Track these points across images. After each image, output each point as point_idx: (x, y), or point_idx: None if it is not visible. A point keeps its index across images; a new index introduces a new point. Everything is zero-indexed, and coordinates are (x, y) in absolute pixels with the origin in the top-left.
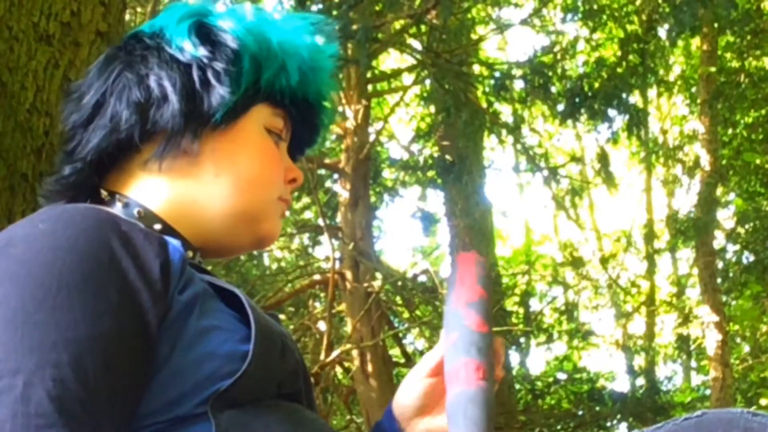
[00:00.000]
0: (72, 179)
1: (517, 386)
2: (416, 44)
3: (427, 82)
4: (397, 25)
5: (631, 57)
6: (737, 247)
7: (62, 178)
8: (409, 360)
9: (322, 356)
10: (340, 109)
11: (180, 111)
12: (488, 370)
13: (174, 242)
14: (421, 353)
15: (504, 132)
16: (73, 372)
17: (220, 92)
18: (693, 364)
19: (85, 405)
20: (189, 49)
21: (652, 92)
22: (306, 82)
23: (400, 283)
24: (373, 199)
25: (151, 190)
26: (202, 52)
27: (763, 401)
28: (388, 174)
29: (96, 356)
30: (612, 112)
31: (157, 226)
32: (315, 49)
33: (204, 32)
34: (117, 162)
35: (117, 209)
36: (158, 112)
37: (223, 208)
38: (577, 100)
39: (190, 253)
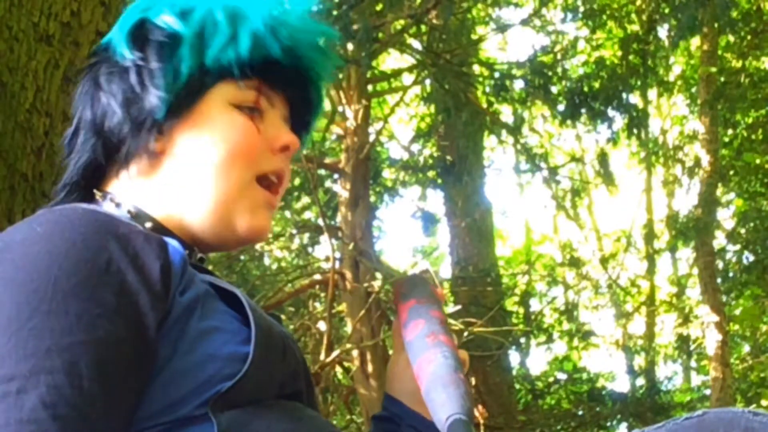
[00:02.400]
0: (65, 191)
1: (517, 386)
2: (416, 44)
3: (427, 82)
4: (397, 25)
5: (631, 57)
6: (737, 247)
7: (60, 187)
8: None
9: (322, 356)
10: (340, 109)
11: (125, 119)
12: (448, 337)
13: (173, 243)
14: None
15: (504, 132)
16: (67, 378)
17: (155, 93)
18: (693, 364)
19: (79, 410)
20: (126, 53)
21: (652, 92)
22: (263, 46)
23: None
24: (373, 199)
25: (134, 193)
26: (136, 54)
27: (763, 401)
28: (388, 174)
29: (91, 361)
30: (612, 113)
31: (148, 225)
32: (280, 9)
33: (142, 32)
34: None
35: (110, 208)
36: (108, 124)
37: (200, 205)
38: (577, 100)
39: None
